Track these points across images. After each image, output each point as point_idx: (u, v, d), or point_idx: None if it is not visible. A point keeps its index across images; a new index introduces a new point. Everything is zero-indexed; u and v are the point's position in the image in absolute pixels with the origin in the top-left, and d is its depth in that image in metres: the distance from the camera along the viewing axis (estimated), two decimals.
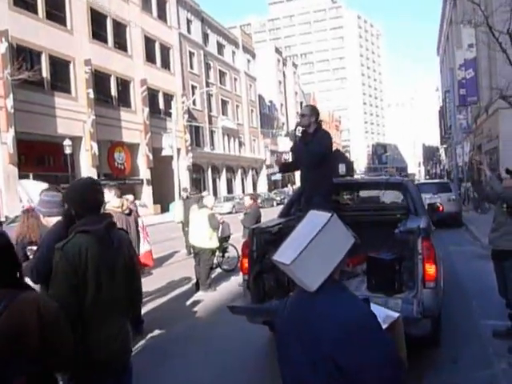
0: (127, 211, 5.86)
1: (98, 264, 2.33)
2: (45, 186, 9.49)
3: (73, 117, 25.36)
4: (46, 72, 24.19)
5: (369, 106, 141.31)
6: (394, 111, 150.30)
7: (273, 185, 57.22)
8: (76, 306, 2.28)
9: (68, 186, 2.66)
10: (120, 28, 31.05)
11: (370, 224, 5.63)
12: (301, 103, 74.87)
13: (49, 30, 24.47)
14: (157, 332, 5.98)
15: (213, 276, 8.84)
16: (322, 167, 5.03)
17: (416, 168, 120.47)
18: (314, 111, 5.20)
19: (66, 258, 2.29)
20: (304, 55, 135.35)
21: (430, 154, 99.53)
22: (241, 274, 5.20)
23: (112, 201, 5.87)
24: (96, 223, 2.42)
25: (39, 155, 24.29)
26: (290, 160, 6.29)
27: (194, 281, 8.47)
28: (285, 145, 62.71)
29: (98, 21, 28.55)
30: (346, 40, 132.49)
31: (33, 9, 23.94)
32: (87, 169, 26.52)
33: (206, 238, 8.13)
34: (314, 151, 4.98)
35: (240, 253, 7.93)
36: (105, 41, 29.33)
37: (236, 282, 8.16)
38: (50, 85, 24.50)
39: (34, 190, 8.62)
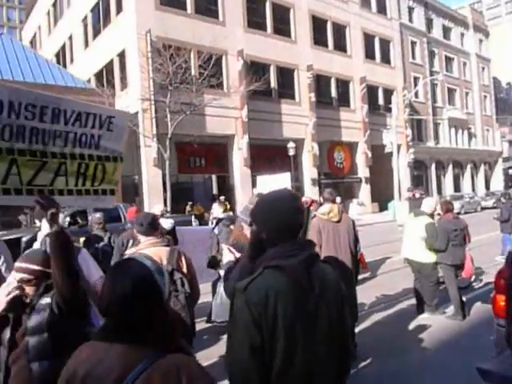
0: (336, 218, 5.39)
1: (291, 317, 1.79)
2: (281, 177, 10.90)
3: (296, 121, 29.30)
4: (273, 82, 28.74)
5: None
6: None
7: (510, 181, 53.63)
8: (257, 375, 1.77)
9: (258, 200, 2.13)
10: (340, 29, 34.13)
11: None
12: None
13: (275, 43, 28.88)
14: (371, 362, 5.20)
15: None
16: None
17: None
18: None
19: (249, 306, 1.79)
20: None
21: None
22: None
23: (321, 207, 5.66)
24: (292, 256, 1.87)
25: (267, 157, 28.87)
26: None
27: (414, 299, 7.46)
28: None
29: (318, 27, 32.14)
30: None
31: (263, 27, 28.72)
32: (309, 168, 30.39)
33: (423, 251, 7.05)
34: None
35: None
36: (325, 45, 32.75)
37: (478, 307, 7.13)
38: (277, 93, 29.00)
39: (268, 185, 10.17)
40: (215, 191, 28.50)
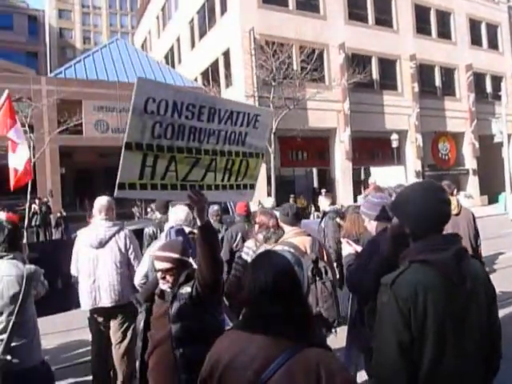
0: (455, 211, 5.29)
1: (442, 314, 1.73)
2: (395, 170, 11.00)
3: (399, 112, 28.75)
4: (375, 73, 28.50)
5: None
6: None
7: None
8: (406, 374, 1.71)
9: (400, 192, 2.12)
10: (444, 17, 32.91)
11: None
12: None
13: (377, 34, 28.53)
14: None
15: None
16: None
17: None
18: None
19: (397, 302, 1.74)
20: None
21: None
22: None
23: None
24: (440, 249, 1.81)
25: (369, 150, 28.64)
26: None
27: None
28: None
29: (421, 15, 31.23)
30: None
31: (364, 19, 28.56)
32: (412, 160, 29.72)
33: None
34: None
35: None
36: (428, 33, 31.73)
37: None
38: (379, 84, 28.72)
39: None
40: (316, 184, 28.78)
